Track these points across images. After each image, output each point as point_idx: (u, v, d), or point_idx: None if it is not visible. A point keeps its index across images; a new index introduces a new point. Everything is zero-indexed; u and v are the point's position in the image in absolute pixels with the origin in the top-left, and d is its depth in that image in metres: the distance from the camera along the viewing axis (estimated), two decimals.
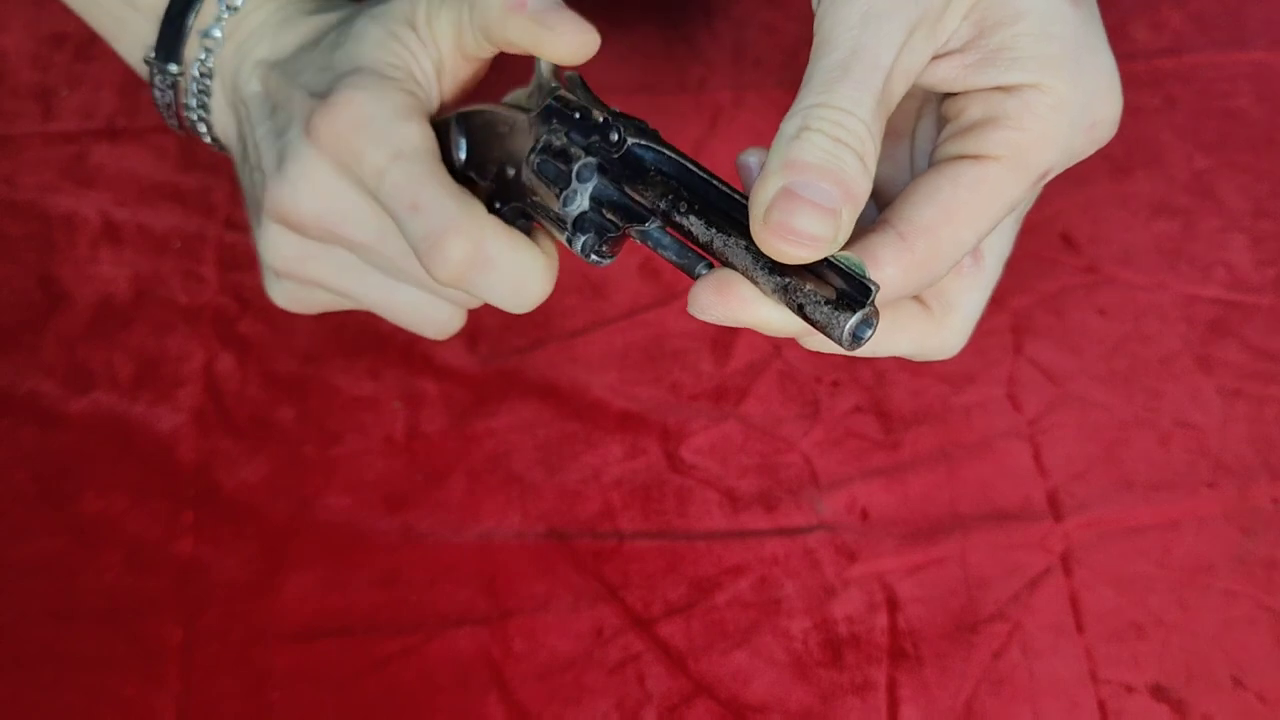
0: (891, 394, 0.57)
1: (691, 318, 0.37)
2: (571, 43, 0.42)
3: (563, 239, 0.40)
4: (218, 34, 0.47)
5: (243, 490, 0.54)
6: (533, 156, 0.41)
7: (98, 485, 0.54)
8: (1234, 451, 0.55)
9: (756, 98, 0.65)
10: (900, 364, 0.57)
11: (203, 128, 0.50)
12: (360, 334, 0.58)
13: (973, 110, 0.38)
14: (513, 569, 0.52)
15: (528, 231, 0.44)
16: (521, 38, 0.42)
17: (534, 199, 0.41)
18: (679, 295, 0.59)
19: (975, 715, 0.49)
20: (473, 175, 0.45)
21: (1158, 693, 0.50)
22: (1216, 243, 0.61)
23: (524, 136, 0.42)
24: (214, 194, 0.62)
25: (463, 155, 0.45)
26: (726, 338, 0.58)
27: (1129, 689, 0.50)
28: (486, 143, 0.44)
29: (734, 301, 0.36)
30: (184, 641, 0.51)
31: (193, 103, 0.49)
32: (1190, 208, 0.62)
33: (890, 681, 0.50)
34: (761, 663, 0.50)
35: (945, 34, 0.37)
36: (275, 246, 0.45)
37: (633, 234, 0.39)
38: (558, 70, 0.43)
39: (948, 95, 0.39)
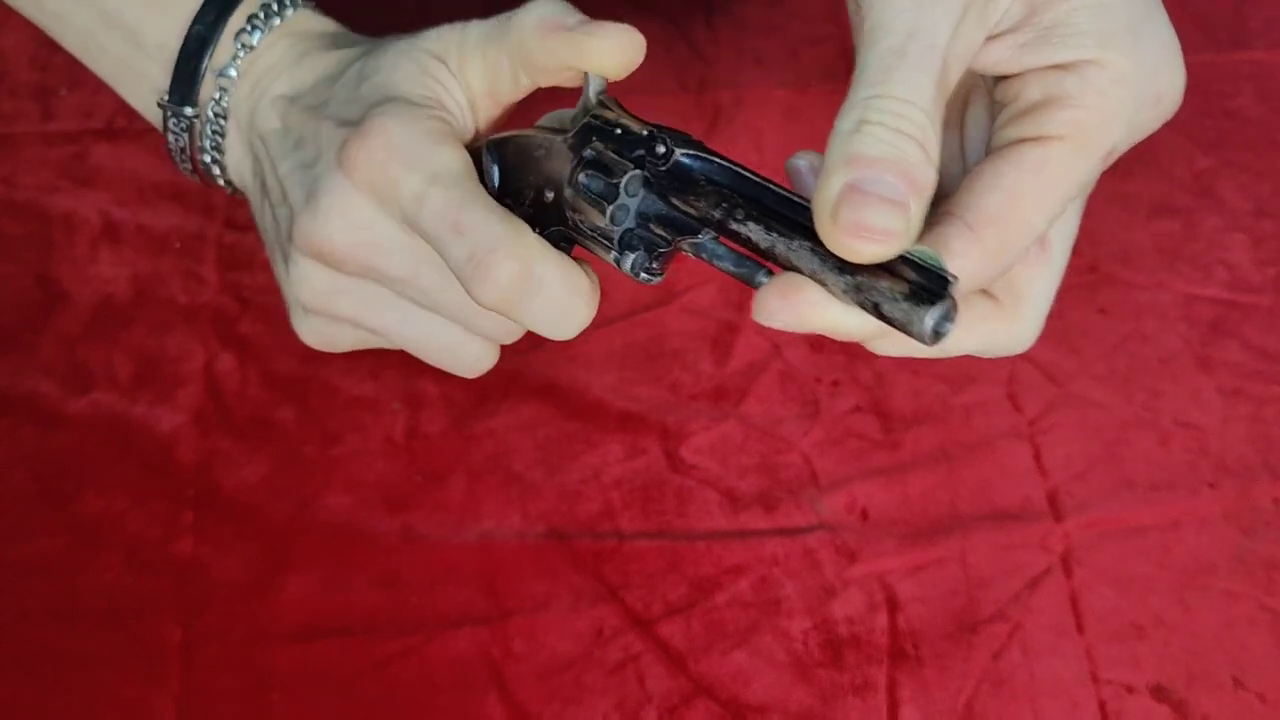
0: (891, 394, 0.57)
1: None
2: (618, 46, 0.40)
3: (609, 259, 0.39)
4: (233, 73, 0.46)
5: (243, 490, 0.54)
6: (576, 175, 0.40)
7: (98, 485, 0.54)
8: (1234, 451, 0.55)
9: (756, 97, 0.65)
10: (900, 364, 0.57)
11: (217, 170, 0.49)
12: None
13: (1030, 91, 0.37)
14: (513, 569, 0.52)
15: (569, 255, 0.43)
16: (566, 54, 0.41)
17: (578, 220, 0.40)
18: (679, 295, 0.59)
19: (975, 715, 0.49)
20: (508, 203, 0.44)
21: (1158, 693, 0.50)
22: (1216, 242, 0.61)
23: (562, 158, 0.41)
24: (214, 194, 0.62)
25: (496, 183, 0.44)
26: (727, 337, 0.58)
27: (1129, 689, 0.50)
28: (522, 168, 0.43)
29: (802, 305, 0.35)
30: (184, 641, 0.51)
31: (206, 144, 0.48)
32: (1190, 207, 0.62)
33: (890, 682, 0.50)
34: (761, 663, 0.50)
35: (997, 14, 0.36)
36: (306, 281, 0.44)
37: (684, 247, 0.38)
38: (604, 92, 0.41)
39: (1001, 79, 0.38)
